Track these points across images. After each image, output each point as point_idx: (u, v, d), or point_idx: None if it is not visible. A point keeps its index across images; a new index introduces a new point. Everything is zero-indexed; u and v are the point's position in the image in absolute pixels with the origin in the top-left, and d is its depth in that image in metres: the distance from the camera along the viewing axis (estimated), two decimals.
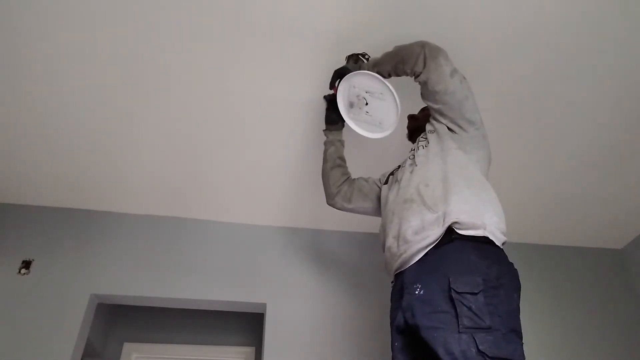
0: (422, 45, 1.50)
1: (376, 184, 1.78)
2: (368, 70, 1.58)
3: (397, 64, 1.54)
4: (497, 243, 1.29)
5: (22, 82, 1.83)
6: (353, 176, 1.84)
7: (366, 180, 1.80)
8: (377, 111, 1.62)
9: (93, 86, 1.86)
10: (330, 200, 1.83)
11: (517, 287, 1.27)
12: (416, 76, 1.51)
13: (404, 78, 1.57)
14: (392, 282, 1.46)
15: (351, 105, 1.67)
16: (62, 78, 1.82)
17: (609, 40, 1.73)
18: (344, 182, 1.80)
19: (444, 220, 1.30)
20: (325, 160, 1.81)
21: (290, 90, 1.91)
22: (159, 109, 1.98)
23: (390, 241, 1.43)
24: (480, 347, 1.08)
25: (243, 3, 1.59)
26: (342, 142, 1.82)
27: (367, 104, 1.63)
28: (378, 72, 1.57)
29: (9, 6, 1.57)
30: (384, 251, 1.49)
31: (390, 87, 1.53)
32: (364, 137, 1.69)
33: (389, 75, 1.58)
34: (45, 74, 1.80)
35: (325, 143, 1.82)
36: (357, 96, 1.64)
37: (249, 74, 1.84)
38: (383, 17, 1.63)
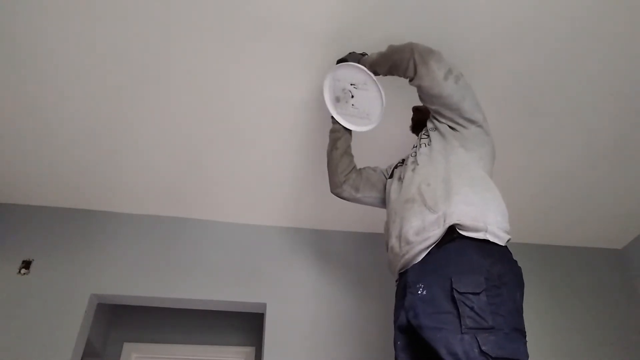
0: (412, 50, 1.48)
1: (383, 174, 1.76)
2: (368, 68, 1.58)
3: (390, 68, 1.54)
4: (499, 243, 1.28)
5: (22, 81, 1.83)
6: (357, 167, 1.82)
7: (374, 169, 1.79)
8: (363, 103, 1.63)
9: (93, 86, 1.86)
10: (337, 189, 1.77)
11: (520, 286, 1.27)
12: (410, 81, 1.52)
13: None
14: (396, 281, 1.46)
15: (337, 99, 1.68)
16: (62, 78, 1.82)
17: (609, 38, 1.73)
18: (352, 170, 1.77)
19: (444, 221, 1.29)
20: (334, 148, 1.76)
21: (290, 89, 1.91)
22: (159, 109, 1.98)
23: (393, 241, 1.43)
24: (482, 348, 1.08)
25: (243, 3, 1.59)
26: (350, 131, 1.78)
27: (352, 96, 1.64)
28: (374, 72, 1.57)
29: (9, 7, 1.56)
30: (387, 251, 1.49)
31: (373, 76, 1.54)
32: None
33: (384, 75, 1.58)
34: (45, 74, 1.80)
35: (334, 131, 1.77)
36: (343, 90, 1.65)
37: (249, 73, 1.84)
38: (382, 16, 1.63)
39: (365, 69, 1.55)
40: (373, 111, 1.61)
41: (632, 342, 2.64)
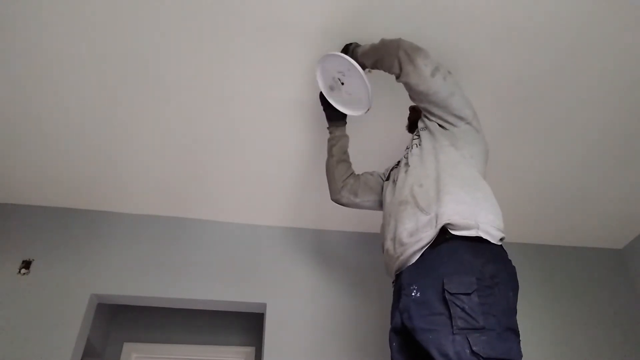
0: (398, 46, 1.48)
1: (381, 177, 1.78)
2: (358, 57, 1.59)
3: (376, 62, 1.55)
4: (492, 241, 1.28)
5: (22, 82, 1.83)
6: (356, 171, 1.84)
7: (371, 174, 1.81)
8: (353, 88, 1.64)
9: (93, 86, 1.86)
10: (336, 195, 1.81)
11: (514, 285, 1.26)
12: (396, 78, 1.52)
13: None
14: (393, 282, 1.46)
15: (331, 89, 1.70)
16: (62, 78, 1.82)
17: (610, 39, 1.72)
18: (349, 176, 1.80)
19: (436, 222, 1.29)
20: (330, 155, 1.80)
21: (289, 89, 1.91)
22: (159, 109, 1.98)
23: (388, 243, 1.43)
24: (474, 348, 1.08)
25: (242, 4, 1.59)
26: (346, 138, 1.82)
27: (343, 84, 1.66)
28: (362, 63, 1.58)
29: (9, 7, 1.57)
30: (383, 253, 1.49)
31: (351, 60, 1.54)
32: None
33: (373, 67, 1.60)
34: (45, 74, 1.80)
35: (330, 139, 1.81)
36: (333, 78, 1.67)
37: (248, 73, 1.84)
38: (380, 15, 1.63)
39: (342, 55, 1.56)
40: (364, 94, 1.62)
41: (632, 342, 2.64)
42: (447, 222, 1.27)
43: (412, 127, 1.74)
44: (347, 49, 1.65)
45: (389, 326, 1.40)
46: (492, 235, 1.28)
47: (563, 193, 2.49)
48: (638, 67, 1.83)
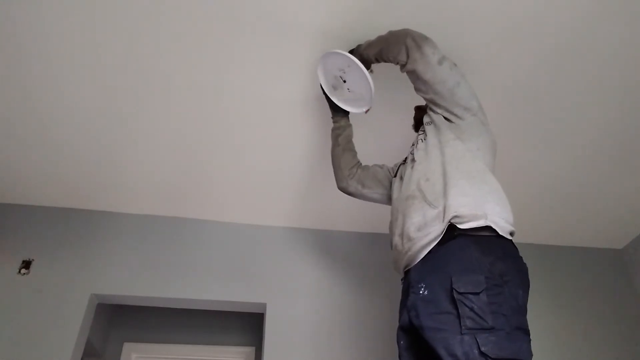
0: (405, 34, 1.49)
1: (390, 171, 1.77)
2: (362, 51, 1.60)
3: (382, 50, 1.54)
4: (501, 233, 1.26)
5: (22, 82, 1.83)
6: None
7: (380, 167, 1.79)
8: (355, 85, 1.64)
9: (93, 86, 1.86)
10: (342, 183, 1.79)
11: (524, 283, 1.24)
12: (402, 66, 1.51)
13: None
14: (402, 280, 1.45)
15: (335, 88, 1.70)
16: (62, 78, 1.82)
17: (612, 38, 1.72)
18: (356, 165, 1.79)
19: (444, 215, 1.28)
20: (336, 145, 1.80)
21: (290, 90, 1.91)
22: (159, 109, 1.98)
23: (396, 239, 1.43)
24: (482, 349, 1.07)
25: (242, 3, 1.59)
26: (351, 127, 1.81)
27: (344, 81, 1.66)
28: (367, 55, 1.58)
29: (9, 7, 1.56)
30: (391, 249, 1.49)
31: (348, 54, 1.55)
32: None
33: (376, 61, 1.59)
34: (45, 75, 1.80)
35: (335, 129, 1.81)
36: (335, 77, 1.67)
37: (249, 74, 1.84)
38: (381, 14, 1.62)
39: (339, 51, 1.56)
40: (366, 89, 1.61)
41: (632, 342, 2.64)
42: (455, 214, 1.25)
43: (417, 126, 1.73)
44: (357, 50, 1.65)
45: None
46: (501, 227, 1.26)
47: (563, 193, 2.49)
48: (639, 67, 1.83)
